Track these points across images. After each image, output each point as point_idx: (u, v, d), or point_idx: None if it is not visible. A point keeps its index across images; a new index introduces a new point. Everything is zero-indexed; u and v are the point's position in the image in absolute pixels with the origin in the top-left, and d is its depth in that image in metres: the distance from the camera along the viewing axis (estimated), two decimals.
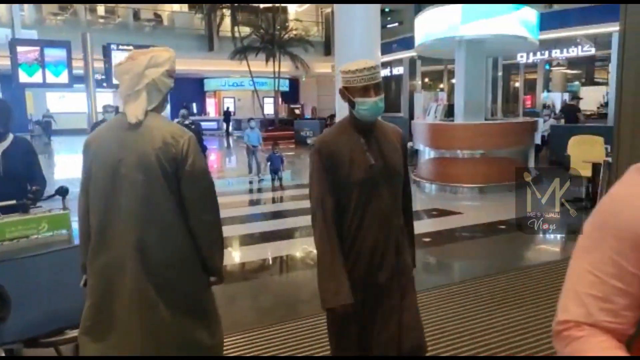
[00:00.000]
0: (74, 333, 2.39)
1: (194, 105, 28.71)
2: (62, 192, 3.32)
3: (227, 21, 24.08)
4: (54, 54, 10.86)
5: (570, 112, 13.36)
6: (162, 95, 2.09)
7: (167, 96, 2.13)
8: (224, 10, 23.46)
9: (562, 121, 14.63)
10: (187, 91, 28.73)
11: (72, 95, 25.21)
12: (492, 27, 9.00)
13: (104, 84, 12.09)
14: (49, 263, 2.61)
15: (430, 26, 9.87)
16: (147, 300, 1.96)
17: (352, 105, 2.13)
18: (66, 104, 26.98)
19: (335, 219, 2.10)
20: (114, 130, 2.04)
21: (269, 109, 26.90)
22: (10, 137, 3.25)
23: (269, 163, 10.53)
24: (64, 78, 10.89)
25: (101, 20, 25.25)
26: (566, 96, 21.88)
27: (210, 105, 31.74)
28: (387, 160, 2.15)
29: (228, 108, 29.96)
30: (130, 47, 11.58)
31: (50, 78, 10.84)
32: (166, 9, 26.88)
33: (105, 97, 21.47)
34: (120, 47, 11.48)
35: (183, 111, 10.42)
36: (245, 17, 24.26)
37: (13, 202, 3.06)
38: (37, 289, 2.51)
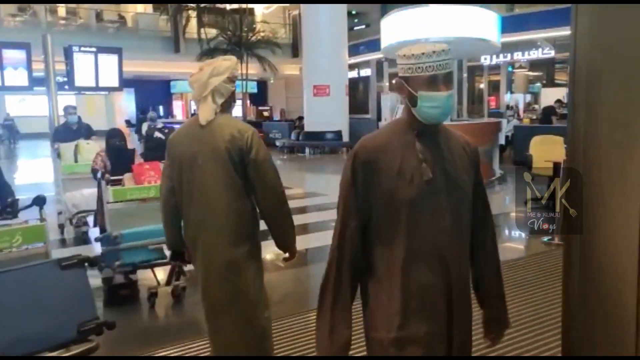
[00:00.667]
0: (49, 355, 2.23)
1: (161, 107, 28.30)
2: (40, 201, 3.15)
3: (193, 23, 23.82)
4: (13, 56, 10.56)
5: (548, 113, 13.60)
6: (224, 98, 2.50)
7: (231, 98, 2.56)
8: (190, 11, 23.22)
9: (526, 121, 15.04)
10: (154, 93, 28.33)
11: (33, 99, 24.55)
12: (456, 30, 9.16)
13: (66, 87, 11.80)
14: (22, 280, 2.36)
15: (395, 28, 9.98)
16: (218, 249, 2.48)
17: (412, 101, 1.63)
18: (26, 107, 26.24)
19: (357, 258, 1.64)
20: (191, 129, 2.55)
21: (237, 111, 26.72)
22: None
23: None
24: (23, 80, 10.61)
25: (62, 22, 24.63)
26: (528, 97, 22.45)
27: (177, 107, 31.35)
28: (451, 175, 1.64)
29: (195, 111, 29.66)
30: (93, 49, 11.36)
31: (10, 80, 10.54)
32: (130, 10, 26.44)
33: (67, 100, 20.98)
34: (82, 48, 11.22)
35: (152, 114, 9.92)
36: (211, 18, 24.06)
37: None
38: (8, 309, 2.25)
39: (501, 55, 18.24)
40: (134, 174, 4.95)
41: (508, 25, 12.23)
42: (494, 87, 21.79)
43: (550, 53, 17.22)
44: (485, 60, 19.22)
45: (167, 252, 3.34)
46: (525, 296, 4.10)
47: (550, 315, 3.63)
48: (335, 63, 15.95)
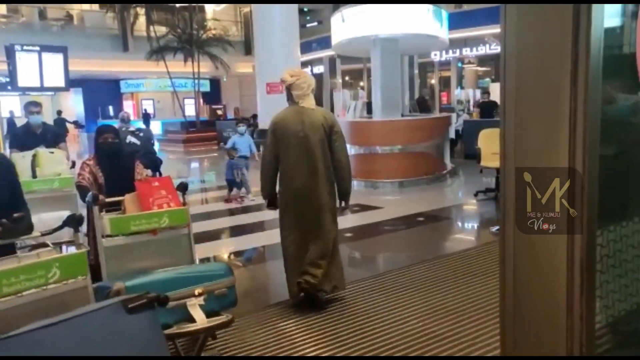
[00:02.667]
0: None
1: (111, 108, 27.54)
2: (75, 222, 2.47)
3: (142, 20, 23.27)
4: None
5: (487, 108, 13.82)
6: (314, 93, 3.92)
7: None
8: (138, 8, 22.67)
9: (475, 115, 15.44)
10: (103, 93, 27.51)
11: None
12: (405, 26, 9.34)
13: (9, 87, 11.34)
14: (81, 331, 1.55)
15: (345, 25, 10.08)
16: (316, 191, 3.85)
17: None
18: None
19: None
20: (293, 114, 3.86)
21: (190, 110, 26.31)
22: None
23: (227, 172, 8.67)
24: None
25: (3, 20, 23.62)
26: (478, 92, 23.10)
27: (128, 107, 30.55)
28: None
29: (146, 110, 29.01)
30: (37, 48, 10.94)
31: None
32: (75, 8, 25.58)
33: (10, 101, 20.13)
34: (25, 47, 10.79)
35: (123, 113, 8.93)
36: (160, 16, 23.59)
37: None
38: None
39: (451, 52, 18.69)
40: (139, 194, 3.43)
41: (456, 22, 12.55)
42: (445, 83, 22.29)
43: (497, 49, 17.78)
44: (436, 56, 19.64)
45: (194, 312, 2.79)
46: (475, 285, 4.25)
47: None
48: (288, 60, 15.91)
